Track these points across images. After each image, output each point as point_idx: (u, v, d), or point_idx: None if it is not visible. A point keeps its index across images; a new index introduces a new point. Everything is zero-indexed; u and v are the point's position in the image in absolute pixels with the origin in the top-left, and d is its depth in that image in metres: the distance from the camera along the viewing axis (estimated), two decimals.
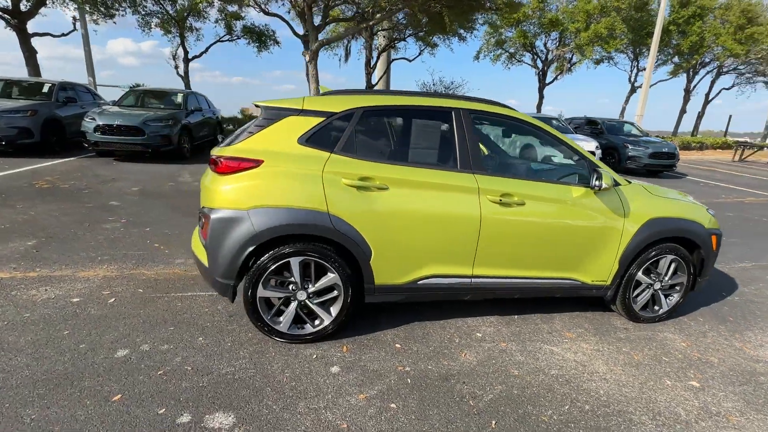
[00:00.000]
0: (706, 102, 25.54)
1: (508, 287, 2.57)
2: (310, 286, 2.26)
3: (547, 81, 21.63)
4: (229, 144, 2.31)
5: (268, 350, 2.25)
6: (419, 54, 17.84)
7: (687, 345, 2.63)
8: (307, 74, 11.35)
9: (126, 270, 3.20)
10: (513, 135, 3.85)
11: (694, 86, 23.01)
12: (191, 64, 17.36)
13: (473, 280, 2.48)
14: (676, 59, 20.89)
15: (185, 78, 17.34)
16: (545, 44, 20.88)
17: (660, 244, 2.72)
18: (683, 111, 23.80)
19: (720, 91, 25.46)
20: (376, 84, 17.79)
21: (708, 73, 22.73)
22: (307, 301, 2.28)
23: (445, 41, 16.71)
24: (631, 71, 22.01)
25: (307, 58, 8.65)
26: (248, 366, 2.09)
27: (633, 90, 22.02)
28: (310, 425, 1.72)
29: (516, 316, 2.85)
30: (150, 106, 9.20)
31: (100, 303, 2.65)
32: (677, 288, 2.90)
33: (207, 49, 17.54)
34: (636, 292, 2.81)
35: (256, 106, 2.36)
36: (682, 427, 1.87)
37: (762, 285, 3.79)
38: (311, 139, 2.22)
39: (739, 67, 22.92)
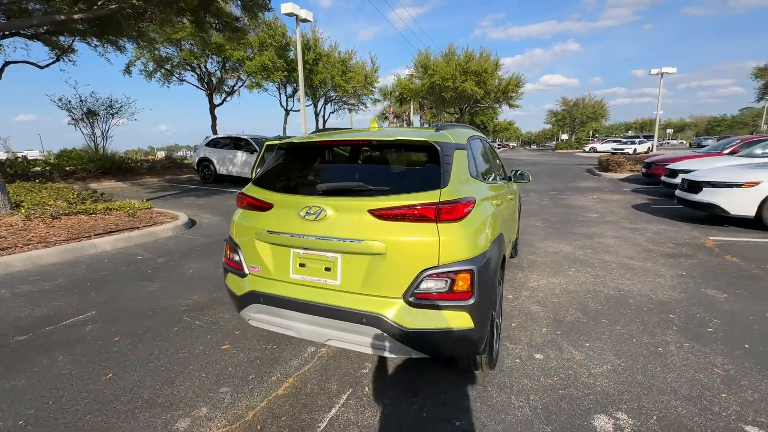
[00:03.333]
0: (324, 122, 34.89)
1: None
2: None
3: (216, 102, 21.84)
4: (423, 189, 1.94)
5: (515, 385, 2.26)
6: (56, 60, 12.87)
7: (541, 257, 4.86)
8: None
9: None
10: None
11: (320, 110, 30.86)
12: None
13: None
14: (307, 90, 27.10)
15: None
16: (205, 66, 20.88)
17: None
18: (318, 129, 31.39)
19: (329, 115, 35.48)
20: None
21: (327, 102, 31.09)
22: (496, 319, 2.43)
23: (97, 48, 13.14)
24: (281, 97, 26.39)
25: None
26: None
27: (287, 113, 26.57)
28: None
29: None
30: None
31: None
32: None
33: None
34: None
35: (433, 144, 2.08)
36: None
37: None
38: (469, 170, 2.34)
39: (335, 97, 33.04)
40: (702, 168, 7.98)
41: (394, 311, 1.88)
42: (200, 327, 2.98)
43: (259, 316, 2.22)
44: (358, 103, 33.12)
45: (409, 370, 2.38)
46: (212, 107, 21.77)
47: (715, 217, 6.47)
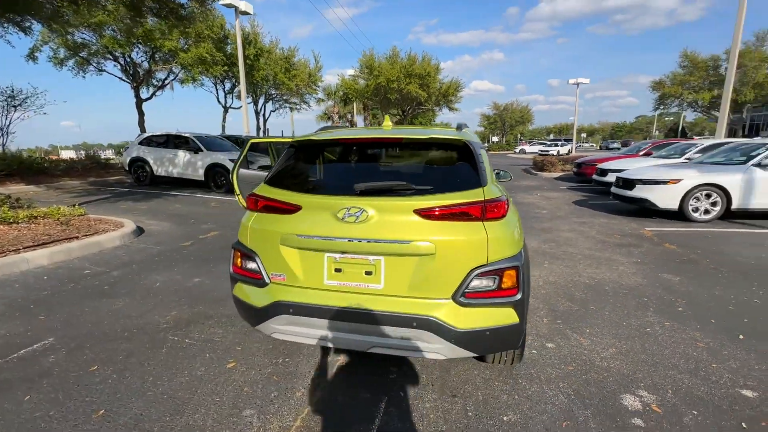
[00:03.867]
0: (265, 120, 33.39)
1: None
2: None
3: (144, 96, 19.76)
4: (466, 188, 1.94)
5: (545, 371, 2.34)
6: None
7: None
8: None
9: None
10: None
11: (261, 108, 29.41)
12: None
13: None
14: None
15: None
16: (129, 56, 18.76)
17: None
18: (258, 128, 29.90)
19: (270, 113, 34.02)
20: None
21: (267, 100, 29.70)
22: None
23: None
24: (218, 93, 24.66)
25: None
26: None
27: (226, 110, 24.90)
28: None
29: None
30: None
31: None
32: None
33: None
34: None
35: (466, 143, 2.07)
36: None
37: None
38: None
39: (276, 95, 31.76)
40: (629, 168, 9.06)
41: (445, 312, 1.85)
42: (193, 345, 2.66)
43: (287, 329, 2.04)
44: (301, 102, 32.21)
45: (436, 371, 2.36)
46: (139, 102, 19.66)
47: (645, 210, 7.38)
